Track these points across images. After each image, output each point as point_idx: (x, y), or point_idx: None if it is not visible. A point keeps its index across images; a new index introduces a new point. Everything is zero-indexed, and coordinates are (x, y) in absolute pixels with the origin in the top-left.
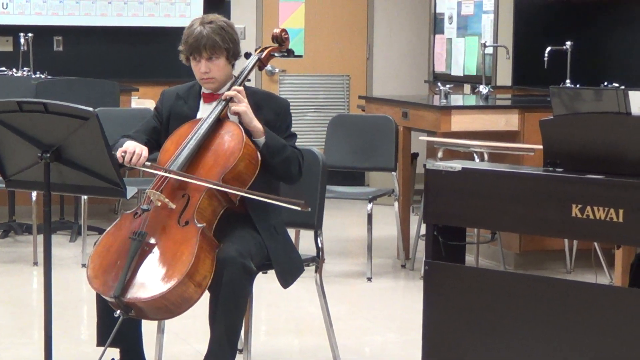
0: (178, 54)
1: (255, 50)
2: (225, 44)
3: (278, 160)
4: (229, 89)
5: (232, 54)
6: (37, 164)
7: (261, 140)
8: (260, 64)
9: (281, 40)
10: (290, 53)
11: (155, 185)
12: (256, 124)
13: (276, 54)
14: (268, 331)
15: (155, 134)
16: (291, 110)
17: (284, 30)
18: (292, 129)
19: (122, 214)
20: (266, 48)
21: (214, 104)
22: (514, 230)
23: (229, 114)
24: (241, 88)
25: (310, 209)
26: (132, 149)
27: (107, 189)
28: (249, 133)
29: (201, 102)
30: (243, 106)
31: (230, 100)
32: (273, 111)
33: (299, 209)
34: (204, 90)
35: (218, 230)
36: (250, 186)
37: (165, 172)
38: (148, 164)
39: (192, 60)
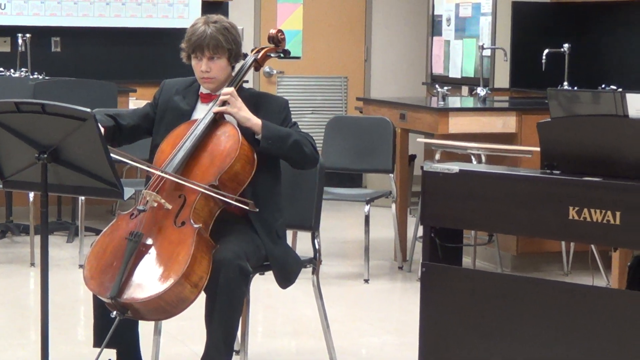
0: (179, 52)
1: (252, 51)
2: (228, 45)
3: (287, 148)
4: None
5: (234, 56)
6: (35, 164)
7: (260, 137)
8: (257, 64)
9: (277, 40)
10: (286, 54)
11: (152, 186)
12: (253, 122)
13: (272, 55)
14: (265, 333)
15: (147, 121)
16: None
17: (280, 30)
18: None
19: (119, 215)
20: (262, 49)
21: (211, 104)
22: (511, 232)
23: (225, 114)
24: (232, 89)
25: (258, 210)
26: None
27: (104, 190)
28: (250, 132)
29: (199, 102)
30: (234, 108)
31: (225, 102)
32: (272, 111)
33: (247, 208)
34: (202, 90)
35: (215, 231)
36: (253, 189)
37: (132, 160)
38: None
39: (193, 59)
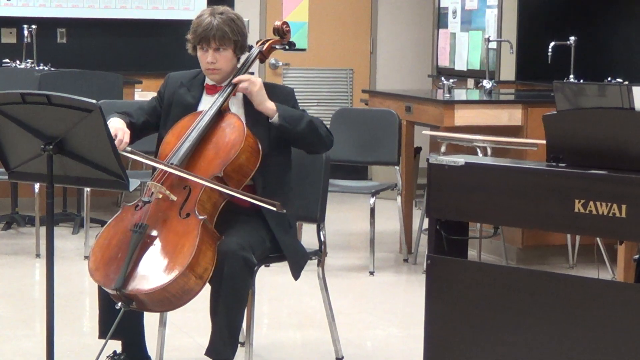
0: (185, 43)
1: (257, 43)
2: (234, 36)
3: (302, 127)
4: (230, 81)
5: (240, 47)
6: (40, 155)
7: (275, 118)
8: (262, 56)
9: (282, 32)
10: (291, 45)
11: (157, 178)
12: (268, 104)
13: (277, 47)
14: (270, 325)
15: (155, 116)
16: None
17: (285, 22)
18: None
19: (124, 206)
20: (267, 40)
21: (216, 95)
22: (517, 225)
23: (230, 106)
24: (247, 76)
25: (285, 211)
26: (114, 132)
27: (110, 181)
28: (256, 121)
29: (204, 93)
30: (255, 87)
31: (238, 84)
32: (279, 100)
33: (274, 209)
34: (207, 81)
35: (220, 222)
36: (264, 178)
37: (155, 162)
38: (129, 149)
39: (199, 50)
